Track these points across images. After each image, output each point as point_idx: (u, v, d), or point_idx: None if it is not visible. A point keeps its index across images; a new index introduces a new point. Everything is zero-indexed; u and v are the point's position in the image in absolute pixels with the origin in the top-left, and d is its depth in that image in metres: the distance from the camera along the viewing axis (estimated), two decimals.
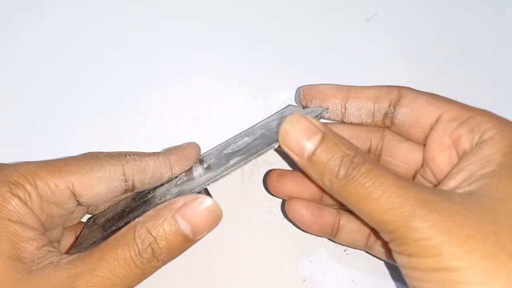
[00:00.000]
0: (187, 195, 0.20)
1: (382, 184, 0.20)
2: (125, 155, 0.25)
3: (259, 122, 0.31)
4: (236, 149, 0.26)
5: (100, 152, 0.25)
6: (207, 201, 0.20)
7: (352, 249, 0.30)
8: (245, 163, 0.23)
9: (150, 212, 0.20)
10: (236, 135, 0.31)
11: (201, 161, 0.28)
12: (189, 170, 0.27)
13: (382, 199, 0.19)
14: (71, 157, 0.24)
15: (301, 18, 0.35)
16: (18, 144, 0.32)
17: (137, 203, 0.26)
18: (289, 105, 0.31)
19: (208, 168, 0.25)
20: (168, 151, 0.26)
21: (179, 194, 0.23)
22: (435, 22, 0.35)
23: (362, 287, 0.29)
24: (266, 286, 0.29)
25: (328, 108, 0.26)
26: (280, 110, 0.31)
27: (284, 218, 0.30)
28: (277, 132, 0.23)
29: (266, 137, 0.25)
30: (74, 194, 0.23)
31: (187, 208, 0.20)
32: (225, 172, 0.23)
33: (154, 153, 0.26)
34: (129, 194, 0.28)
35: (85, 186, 0.23)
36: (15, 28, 0.34)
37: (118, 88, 0.33)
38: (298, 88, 0.32)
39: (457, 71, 0.34)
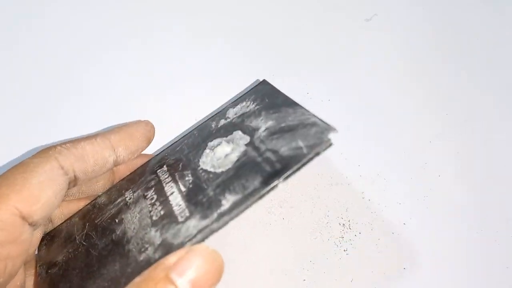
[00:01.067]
0: (180, 250, 0.18)
1: None
2: (55, 147, 0.21)
3: (229, 109, 0.26)
4: (219, 170, 0.22)
5: (28, 158, 0.21)
6: (204, 251, 0.17)
7: (352, 249, 0.30)
8: (244, 210, 0.19)
9: (137, 280, 0.17)
10: (200, 128, 0.26)
11: (170, 170, 0.23)
12: (160, 188, 0.23)
13: None
14: None
15: (301, 18, 0.35)
16: (18, 145, 0.32)
17: (103, 242, 0.22)
18: (263, 80, 0.27)
19: (189, 196, 0.21)
20: (108, 131, 0.23)
21: (164, 246, 0.19)
22: (435, 22, 0.35)
23: (362, 287, 0.29)
24: (266, 286, 0.29)
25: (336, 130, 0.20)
26: (253, 89, 0.27)
27: (284, 218, 0.30)
28: (273, 162, 0.20)
29: (256, 163, 0.21)
30: (24, 217, 0.19)
31: (183, 264, 0.17)
32: (221, 224, 0.19)
33: (90, 136, 0.22)
34: (76, 215, 0.24)
35: (29, 202, 0.19)
36: (15, 29, 0.34)
37: (118, 89, 0.33)
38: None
39: (457, 71, 0.34)
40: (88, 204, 0.25)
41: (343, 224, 0.30)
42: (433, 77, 0.33)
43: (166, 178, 0.23)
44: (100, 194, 0.25)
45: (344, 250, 0.30)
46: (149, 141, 0.24)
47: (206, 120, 0.26)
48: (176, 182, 0.22)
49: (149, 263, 0.19)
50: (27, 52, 0.34)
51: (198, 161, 0.23)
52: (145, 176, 0.24)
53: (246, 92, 0.27)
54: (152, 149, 0.29)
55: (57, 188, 0.20)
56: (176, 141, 0.26)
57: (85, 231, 0.23)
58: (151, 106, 0.33)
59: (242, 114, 0.25)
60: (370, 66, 0.34)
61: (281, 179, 0.19)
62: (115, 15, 0.34)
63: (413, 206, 0.30)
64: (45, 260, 0.22)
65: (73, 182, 0.22)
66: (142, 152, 0.25)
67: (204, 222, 0.19)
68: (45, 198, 0.19)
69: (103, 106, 0.33)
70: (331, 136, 0.20)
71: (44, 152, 0.21)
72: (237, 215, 0.19)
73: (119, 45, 0.34)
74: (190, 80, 0.33)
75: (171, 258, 0.17)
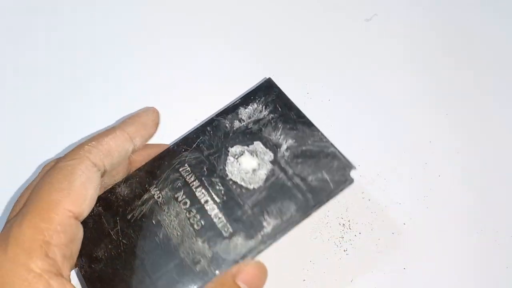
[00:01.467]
0: (239, 264, 0.23)
1: None
2: (83, 147, 0.22)
3: (240, 108, 0.28)
4: (251, 187, 0.25)
5: (58, 160, 0.22)
6: (256, 263, 0.23)
7: (352, 249, 0.30)
8: (285, 234, 0.23)
9: (209, 285, 0.22)
10: (214, 125, 0.27)
11: (195, 172, 0.26)
12: (191, 192, 0.25)
13: None
14: (38, 188, 0.21)
15: (301, 18, 0.35)
16: (22, 147, 0.32)
17: (147, 244, 0.24)
18: (269, 79, 0.29)
19: (227, 210, 0.24)
20: (123, 124, 0.25)
21: (217, 260, 0.23)
22: (435, 22, 0.35)
23: (362, 287, 0.29)
24: (266, 286, 0.29)
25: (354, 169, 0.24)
26: (259, 88, 0.28)
27: None
28: (303, 192, 0.24)
29: (288, 188, 0.24)
30: (76, 217, 0.21)
31: (243, 273, 0.23)
32: (267, 246, 0.23)
33: (110, 130, 0.24)
34: (98, 204, 0.25)
35: (78, 202, 0.21)
36: (22, 34, 0.34)
37: (120, 91, 0.33)
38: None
39: (457, 71, 0.34)
40: (105, 192, 0.26)
41: (343, 224, 0.30)
42: (433, 77, 0.33)
43: (194, 181, 0.25)
44: (117, 182, 0.26)
45: (344, 250, 0.30)
46: (157, 127, 0.26)
47: (217, 117, 0.27)
48: (206, 189, 0.25)
49: (207, 275, 0.23)
50: (31, 57, 0.34)
51: (224, 169, 0.25)
52: (167, 172, 0.26)
53: (253, 90, 0.28)
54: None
55: (96, 185, 0.22)
56: (188, 134, 0.27)
57: (118, 227, 0.25)
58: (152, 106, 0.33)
59: (258, 121, 0.27)
60: (370, 66, 0.34)
61: (313, 210, 0.23)
62: (117, 21, 0.34)
63: (413, 206, 0.30)
64: (81, 251, 0.24)
65: (103, 174, 0.24)
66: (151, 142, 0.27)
67: (251, 243, 0.23)
68: (89, 196, 0.22)
69: (103, 106, 0.33)
70: (352, 173, 0.24)
71: (75, 153, 0.22)
72: (279, 238, 0.23)
73: (120, 48, 0.34)
74: (190, 80, 0.33)
75: (234, 269, 0.22)
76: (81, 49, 0.34)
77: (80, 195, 0.21)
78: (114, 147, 0.23)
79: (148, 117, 0.26)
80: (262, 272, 0.23)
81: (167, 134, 0.32)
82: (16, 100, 0.33)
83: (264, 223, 0.24)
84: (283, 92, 0.28)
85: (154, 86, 0.33)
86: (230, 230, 0.24)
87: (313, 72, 0.33)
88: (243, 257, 0.23)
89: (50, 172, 0.22)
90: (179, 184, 0.25)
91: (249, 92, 0.28)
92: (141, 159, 0.27)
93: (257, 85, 0.29)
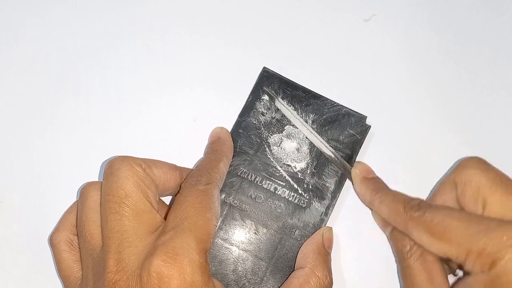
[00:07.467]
0: (321, 232, 0.28)
1: None
2: (211, 172, 0.26)
3: (255, 102, 0.31)
4: (304, 163, 0.30)
5: (192, 182, 0.25)
6: (329, 229, 0.29)
7: (351, 249, 0.30)
8: (343, 185, 0.30)
9: (309, 248, 0.28)
10: (243, 127, 0.30)
11: (253, 170, 0.29)
12: (261, 188, 0.29)
13: None
14: (189, 204, 0.24)
15: (300, 18, 0.35)
16: (18, 147, 0.32)
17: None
18: (264, 68, 0.32)
19: (294, 188, 0.29)
20: (222, 148, 0.29)
21: (305, 225, 0.29)
22: (434, 21, 0.35)
23: (362, 287, 0.29)
24: None
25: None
26: (261, 80, 0.31)
27: None
28: (341, 149, 0.30)
29: (330, 151, 0.29)
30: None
31: (327, 241, 0.28)
32: (336, 200, 0.29)
33: (218, 157, 0.28)
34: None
35: (218, 218, 0.26)
36: (16, 31, 0.34)
37: (119, 90, 0.33)
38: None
39: (456, 71, 0.34)
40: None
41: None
42: (433, 77, 0.33)
43: (256, 178, 0.29)
44: None
45: (344, 250, 0.30)
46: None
47: (241, 118, 0.31)
48: (269, 179, 0.29)
49: (303, 237, 0.28)
50: (28, 55, 0.34)
51: (274, 158, 0.30)
52: (228, 180, 0.29)
53: (257, 83, 0.31)
54: (156, 155, 0.29)
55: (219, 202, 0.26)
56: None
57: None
58: (152, 106, 0.33)
59: (277, 109, 0.31)
60: (369, 66, 0.34)
61: (354, 159, 0.29)
62: (115, 20, 0.34)
63: None
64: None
65: None
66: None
67: (326, 202, 0.29)
68: (219, 212, 0.26)
69: (103, 107, 0.33)
70: (367, 121, 0.30)
71: (208, 178, 0.26)
72: (340, 191, 0.29)
73: (119, 48, 0.34)
74: (189, 81, 0.33)
75: (319, 232, 0.28)
76: (74, 47, 0.34)
77: (219, 212, 0.26)
78: (224, 171, 0.28)
79: (230, 140, 0.30)
80: (332, 234, 0.29)
81: (167, 135, 0.32)
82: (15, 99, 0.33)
83: (327, 184, 0.29)
84: (282, 76, 0.31)
85: (153, 86, 0.33)
86: (306, 200, 0.29)
87: (311, 73, 0.33)
88: (324, 215, 0.29)
89: (195, 193, 0.25)
90: (245, 185, 0.29)
91: (255, 86, 0.31)
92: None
93: (258, 78, 0.32)
